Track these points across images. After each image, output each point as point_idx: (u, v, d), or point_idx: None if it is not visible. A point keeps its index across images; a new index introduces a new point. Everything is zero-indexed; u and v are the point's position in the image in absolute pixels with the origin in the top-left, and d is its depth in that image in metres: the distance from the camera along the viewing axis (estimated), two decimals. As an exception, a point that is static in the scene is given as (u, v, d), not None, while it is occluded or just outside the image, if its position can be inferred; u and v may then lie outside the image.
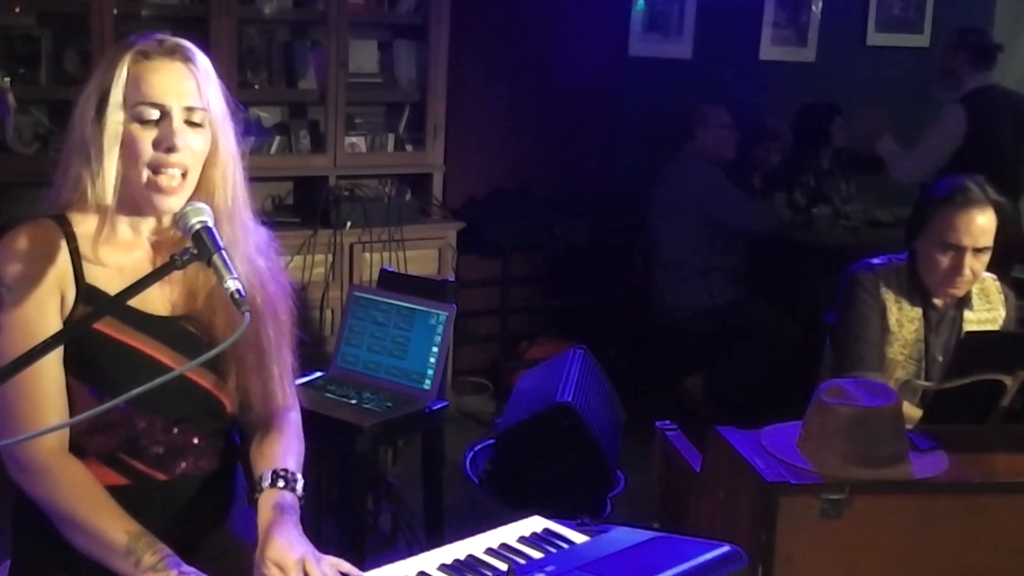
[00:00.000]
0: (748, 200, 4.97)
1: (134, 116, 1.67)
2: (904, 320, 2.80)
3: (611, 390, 3.26)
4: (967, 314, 2.82)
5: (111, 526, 1.64)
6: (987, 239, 2.69)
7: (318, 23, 4.56)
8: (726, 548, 1.51)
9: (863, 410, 2.17)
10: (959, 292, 2.78)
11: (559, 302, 5.40)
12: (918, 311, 2.80)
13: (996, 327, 2.83)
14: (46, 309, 1.68)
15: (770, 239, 5.02)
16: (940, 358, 2.81)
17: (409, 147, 4.83)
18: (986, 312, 2.85)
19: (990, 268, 2.80)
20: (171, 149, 1.67)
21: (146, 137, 1.67)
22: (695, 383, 5.03)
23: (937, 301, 2.81)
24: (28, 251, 1.69)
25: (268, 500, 1.74)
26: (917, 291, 2.80)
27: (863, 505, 2.13)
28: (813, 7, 6.01)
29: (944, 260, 2.71)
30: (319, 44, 4.57)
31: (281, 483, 1.76)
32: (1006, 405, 2.40)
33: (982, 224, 2.68)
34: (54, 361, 1.68)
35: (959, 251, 2.68)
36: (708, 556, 1.48)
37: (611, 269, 5.35)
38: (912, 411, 2.53)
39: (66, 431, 1.71)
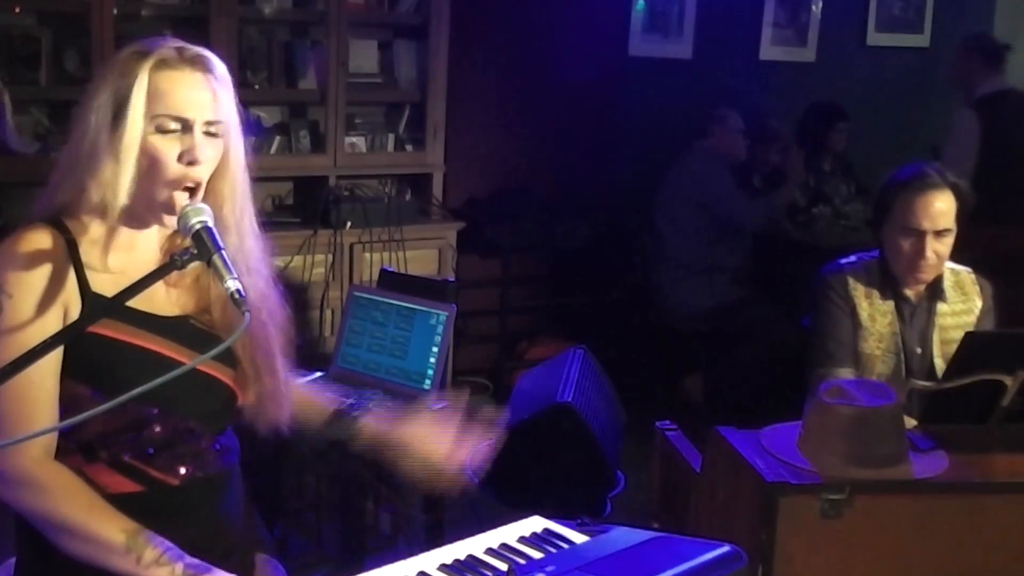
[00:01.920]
0: (747, 198, 4.97)
1: (156, 127, 1.66)
2: (876, 314, 2.82)
3: (611, 390, 3.25)
4: (941, 307, 2.84)
5: (107, 527, 1.63)
6: (947, 221, 2.74)
7: (318, 23, 4.56)
8: (726, 548, 1.51)
9: (863, 410, 2.17)
10: (926, 277, 2.80)
11: (559, 302, 5.39)
12: (889, 304, 2.83)
13: (972, 319, 2.85)
14: (45, 320, 1.65)
15: (770, 239, 5.02)
16: (918, 350, 2.83)
17: (409, 147, 4.83)
18: (961, 304, 2.87)
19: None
20: (193, 162, 1.66)
21: (168, 148, 1.66)
22: (695, 383, 5.03)
23: (909, 293, 2.84)
24: (28, 260, 1.66)
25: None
26: (888, 284, 2.83)
27: (863, 505, 2.13)
28: (813, 7, 6.01)
29: (907, 245, 2.74)
30: (319, 44, 4.57)
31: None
32: (1006, 405, 2.41)
33: (940, 207, 2.72)
34: (48, 372, 1.66)
35: (920, 235, 2.72)
36: (708, 556, 1.48)
37: (611, 269, 5.35)
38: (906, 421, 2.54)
39: (52, 440, 1.69)
